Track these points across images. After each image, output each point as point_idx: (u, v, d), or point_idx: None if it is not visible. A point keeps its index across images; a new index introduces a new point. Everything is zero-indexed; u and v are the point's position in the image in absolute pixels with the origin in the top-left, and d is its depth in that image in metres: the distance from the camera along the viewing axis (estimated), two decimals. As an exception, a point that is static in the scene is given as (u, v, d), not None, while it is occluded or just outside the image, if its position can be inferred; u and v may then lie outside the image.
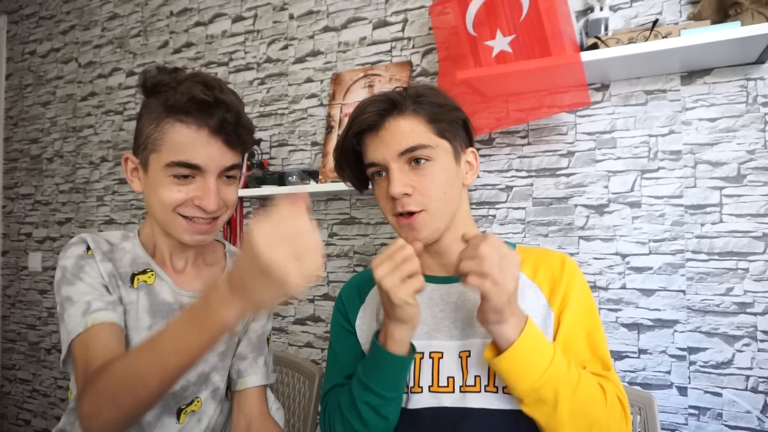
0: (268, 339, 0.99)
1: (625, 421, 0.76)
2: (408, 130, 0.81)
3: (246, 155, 1.75)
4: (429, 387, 0.81)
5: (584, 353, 0.81)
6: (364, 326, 0.90)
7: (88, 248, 0.83)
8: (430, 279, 0.87)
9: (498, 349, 0.73)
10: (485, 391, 0.79)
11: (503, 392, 0.78)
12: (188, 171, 0.79)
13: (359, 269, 1.73)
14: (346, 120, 1.71)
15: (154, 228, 0.89)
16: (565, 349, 0.80)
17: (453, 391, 0.80)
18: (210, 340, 0.60)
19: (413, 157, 0.81)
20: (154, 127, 0.80)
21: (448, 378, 0.80)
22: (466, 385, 0.80)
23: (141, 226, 0.92)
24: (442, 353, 0.82)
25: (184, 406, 0.87)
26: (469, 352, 0.81)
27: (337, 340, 0.94)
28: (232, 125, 0.80)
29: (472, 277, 0.69)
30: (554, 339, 0.81)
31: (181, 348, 0.61)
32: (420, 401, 0.80)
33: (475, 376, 0.80)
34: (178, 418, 0.86)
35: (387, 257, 0.72)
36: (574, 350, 0.80)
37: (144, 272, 0.86)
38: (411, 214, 0.81)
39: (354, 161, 0.88)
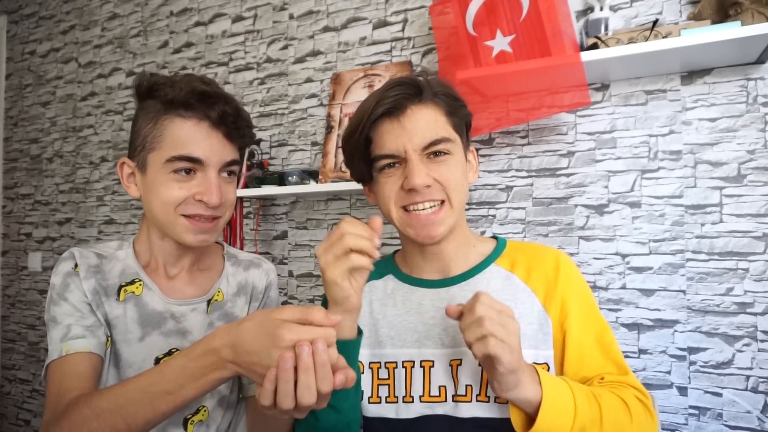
0: None
1: (652, 423, 0.75)
2: (432, 120, 0.78)
3: (246, 155, 1.75)
4: (420, 397, 0.79)
5: (598, 359, 0.79)
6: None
7: (76, 265, 0.83)
8: (420, 283, 0.86)
9: (524, 412, 0.70)
10: (477, 400, 0.77)
11: (495, 401, 0.76)
12: (189, 165, 0.78)
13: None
14: (346, 120, 1.72)
15: (151, 233, 0.87)
16: (579, 361, 0.78)
17: (445, 401, 0.78)
18: (206, 390, 0.63)
19: (434, 150, 0.78)
20: (152, 126, 0.80)
21: (439, 387, 0.79)
22: (458, 395, 0.78)
23: (136, 236, 0.91)
24: (433, 362, 0.80)
25: (189, 416, 0.85)
26: (461, 360, 0.79)
27: None
28: (232, 117, 0.80)
29: (477, 345, 0.64)
30: (554, 344, 0.79)
31: (173, 391, 0.63)
32: (412, 411, 0.79)
33: (467, 386, 0.78)
34: (185, 429, 0.85)
35: (328, 236, 0.69)
36: (588, 360, 0.79)
37: (132, 282, 0.85)
38: (423, 209, 0.78)
39: (364, 152, 0.82)
